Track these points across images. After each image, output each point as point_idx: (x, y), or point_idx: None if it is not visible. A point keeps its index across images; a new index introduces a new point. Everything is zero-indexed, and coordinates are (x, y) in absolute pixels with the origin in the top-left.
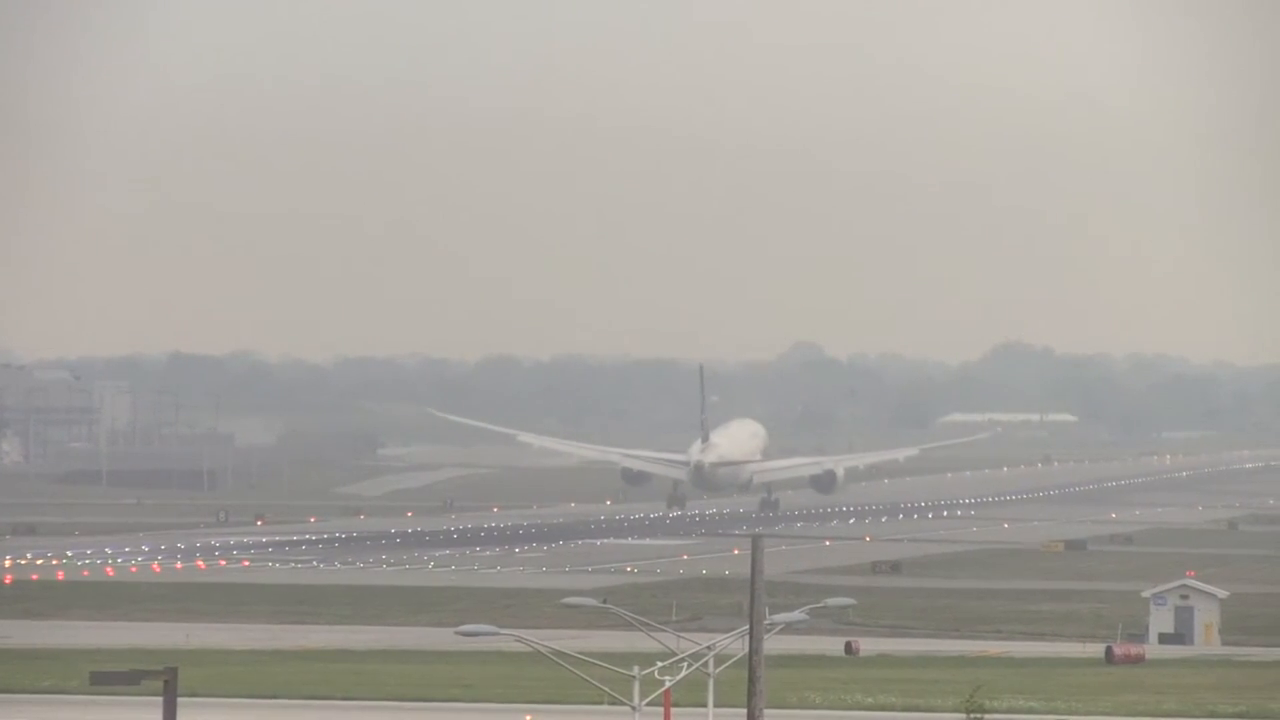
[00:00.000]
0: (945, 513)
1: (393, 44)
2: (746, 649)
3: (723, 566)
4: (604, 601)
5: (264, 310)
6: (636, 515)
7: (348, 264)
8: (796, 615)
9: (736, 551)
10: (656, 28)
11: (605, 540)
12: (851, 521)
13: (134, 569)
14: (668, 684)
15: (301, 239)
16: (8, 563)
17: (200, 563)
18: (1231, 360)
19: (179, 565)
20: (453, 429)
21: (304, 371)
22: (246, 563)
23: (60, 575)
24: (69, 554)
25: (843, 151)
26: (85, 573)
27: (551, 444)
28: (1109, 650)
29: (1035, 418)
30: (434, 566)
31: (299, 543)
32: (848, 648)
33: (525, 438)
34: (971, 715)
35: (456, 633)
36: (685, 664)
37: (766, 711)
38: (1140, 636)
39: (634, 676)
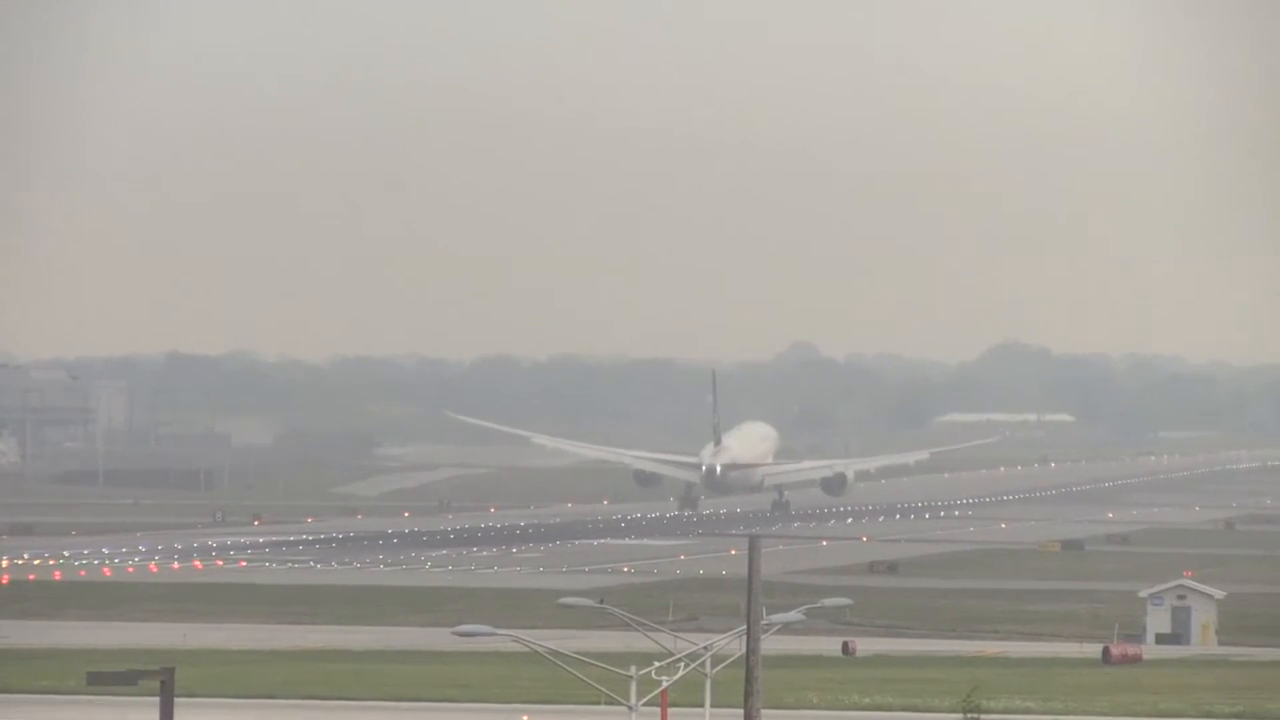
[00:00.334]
0: (942, 513)
1: (390, 44)
2: (744, 649)
3: (720, 567)
4: (601, 602)
5: (261, 310)
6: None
7: (345, 264)
8: (793, 615)
9: (734, 552)
10: (655, 28)
11: (602, 540)
12: (849, 521)
13: (131, 569)
14: (665, 684)
15: (299, 239)
16: (4, 563)
17: (197, 563)
18: (1229, 360)
19: (176, 565)
20: (449, 429)
21: (301, 371)
22: (243, 563)
23: (57, 575)
24: (66, 554)
25: (841, 151)
26: (82, 573)
27: (564, 445)
28: (1106, 650)
29: (1032, 418)
30: (431, 566)
31: (296, 543)
32: (845, 648)
33: (539, 439)
34: (969, 715)
35: (453, 633)
36: (682, 664)
37: (764, 712)
38: (1137, 637)
39: (631, 677)
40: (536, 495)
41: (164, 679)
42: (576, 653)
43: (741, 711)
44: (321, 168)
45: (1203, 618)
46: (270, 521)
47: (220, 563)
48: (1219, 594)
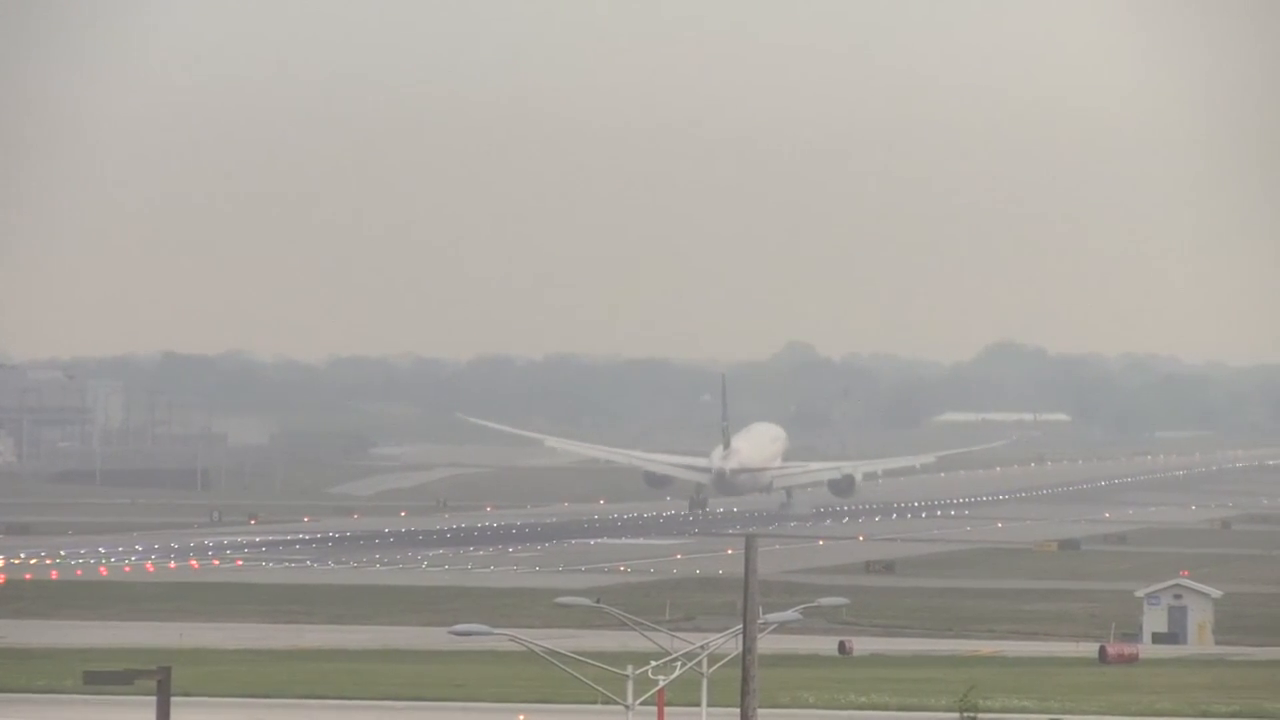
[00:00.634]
0: (939, 512)
1: (387, 45)
2: (740, 648)
3: (716, 566)
4: (597, 601)
5: (257, 310)
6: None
7: (341, 264)
8: (790, 615)
9: (730, 551)
10: (653, 28)
11: (599, 540)
12: (845, 521)
13: (128, 568)
14: (661, 683)
15: (295, 239)
16: (1, 562)
17: (194, 562)
18: (1225, 360)
19: (172, 565)
20: (446, 429)
21: (297, 371)
22: (240, 562)
23: (54, 575)
24: (62, 553)
25: (836, 151)
26: (79, 572)
27: (575, 448)
28: (1103, 650)
29: (1029, 417)
30: (427, 566)
31: (292, 542)
32: (841, 647)
33: (552, 442)
34: (965, 715)
35: (450, 632)
36: (679, 663)
37: (760, 711)
38: (1134, 636)
39: (627, 676)
40: (533, 495)
41: (160, 678)
42: (573, 652)
43: (738, 711)
44: (318, 168)
45: (1199, 617)
46: (266, 521)
47: (217, 562)
48: (1215, 593)
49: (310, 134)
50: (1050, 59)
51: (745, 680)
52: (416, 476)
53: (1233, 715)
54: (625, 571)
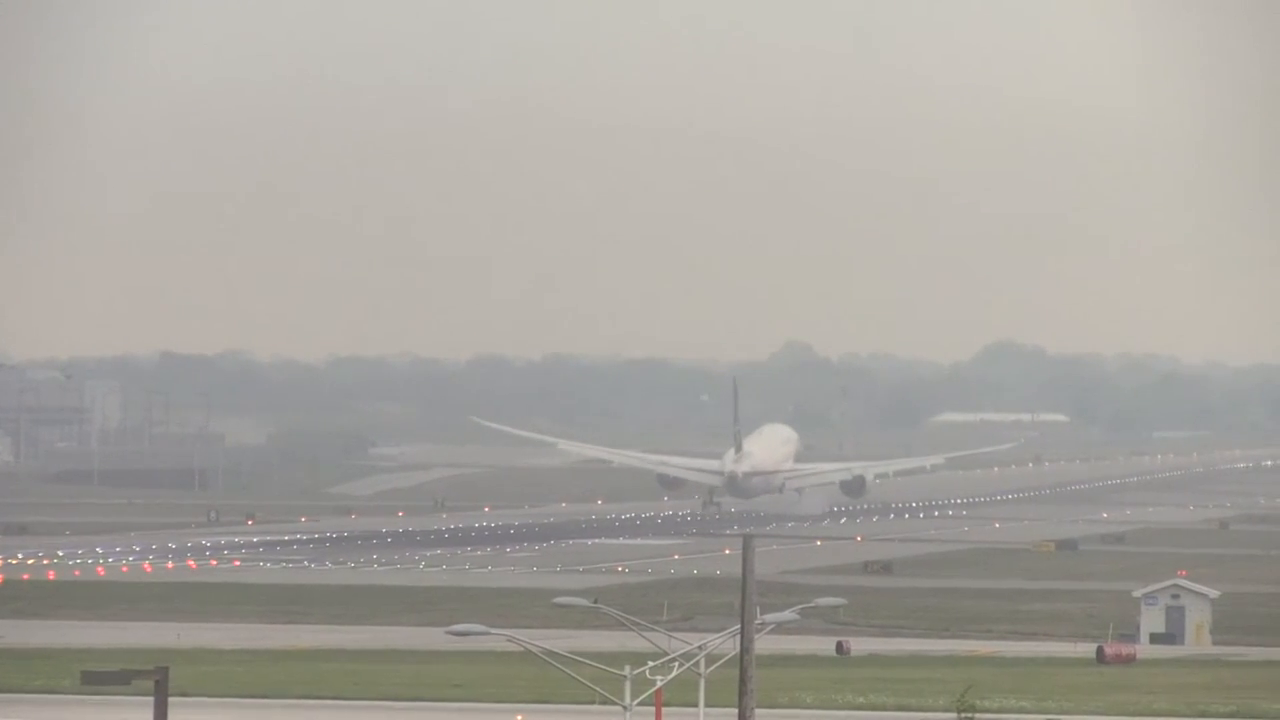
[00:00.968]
0: (936, 512)
1: (385, 45)
2: (737, 649)
3: (714, 566)
4: (595, 601)
5: (255, 310)
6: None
7: (339, 264)
8: (787, 615)
9: (728, 551)
10: (651, 28)
11: (596, 540)
12: (843, 521)
13: (125, 568)
14: (659, 684)
15: (293, 239)
16: None
17: (191, 562)
18: (1223, 360)
19: (170, 565)
20: (443, 429)
21: (295, 371)
22: (237, 562)
23: (51, 575)
24: (60, 553)
25: (834, 151)
26: (76, 572)
27: (591, 451)
28: (1100, 650)
29: (1027, 417)
30: (425, 566)
31: (290, 542)
32: (839, 647)
33: (565, 445)
34: (963, 715)
35: (448, 632)
36: (676, 664)
37: (757, 711)
38: (1131, 636)
39: (625, 676)
40: (531, 495)
41: (158, 678)
42: (571, 652)
43: (735, 711)
44: (316, 168)
45: (1197, 617)
46: (264, 521)
47: (214, 562)
48: (1213, 593)
49: (309, 134)
50: (1049, 59)
51: (743, 680)
52: (415, 476)
53: (1230, 715)
54: (623, 572)
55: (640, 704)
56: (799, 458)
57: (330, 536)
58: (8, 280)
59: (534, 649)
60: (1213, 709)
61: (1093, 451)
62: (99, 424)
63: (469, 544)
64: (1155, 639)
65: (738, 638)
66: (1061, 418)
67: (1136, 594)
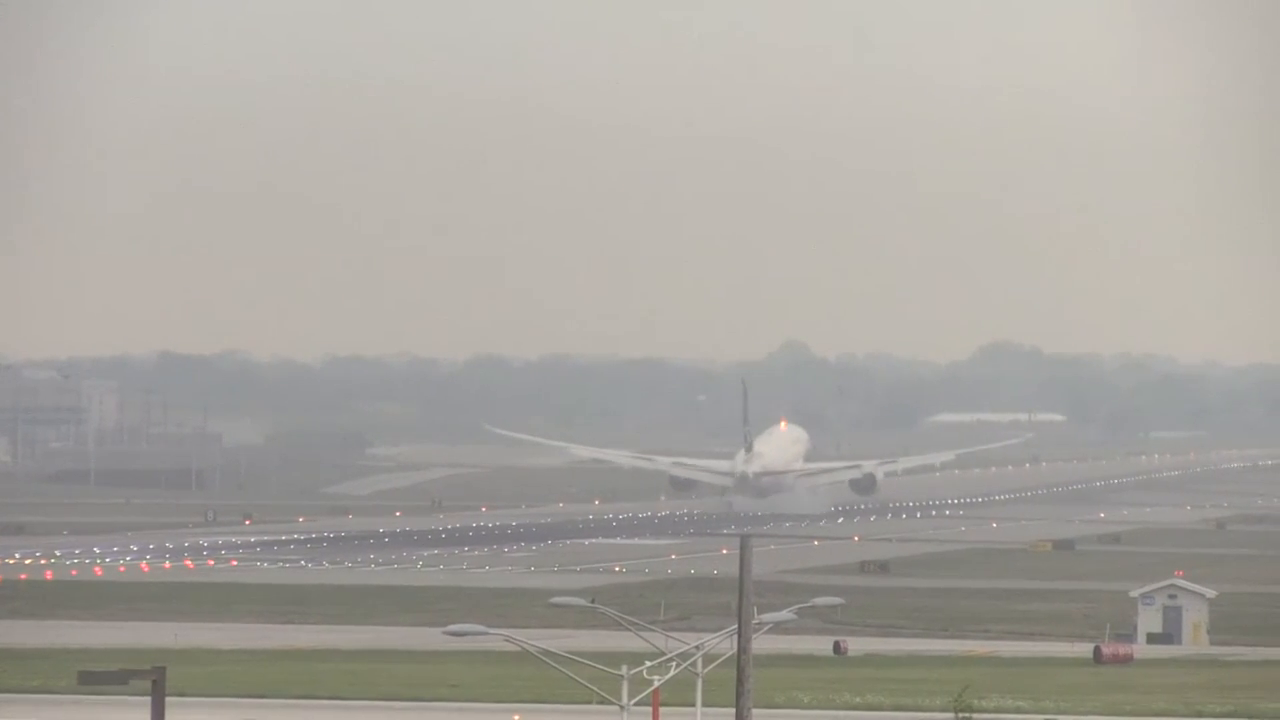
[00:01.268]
0: (934, 512)
1: (384, 45)
2: (735, 648)
3: (711, 566)
4: (592, 601)
5: (253, 310)
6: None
7: (337, 264)
8: (785, 615)
9: (725, 551)
10: (649, 29)
11: (594, 540)
12: (840, 521)
13: (122, 569)
14: (656, 683)
15: (291, 239)
16: None
17: (188, 562)
18: (1220, 360)
19: (167, 565)
20: (441, 429)
21: (293, 371)
22: (235, 562)
23: (48, 575)
24: (57, 553)
25: (832, 151)
26: (74, 572)
27: (601, 454)
28: (1097, 650)
29: (1024, 417)
30: (422, 566)
31: (287, 542)
32: (836, 647)
33: (578, 449)
34: (960, 715)
35: (445, 632)
36: (673, 663)
37: (755, 711)
38: (1128, 636)
39: (622, 676)
40: (528, 495)
41: (155, 678)
42: (568, 652)
43: (733, 711)
44: (314, 168)
45: (1194, 617)
46: (261, 521)
47: (211, 562)
48: (1210, 593)
49: (308, 134)
50: (1047, 60)
51: (740, 680)
52: (412, 476)
53: (1227, 715)
54: (620, 571)
55: (637, 704)
56: (809, 457)
57: (328, 536)
58: (5, 280)
59: (531, 649)
60: (1210, 709)
61: (1090, 451)
62: (96, 424)
63: (466, 544)
64: (1152, 639)
65: (735, 637)
66: (1059, 418)
67: (1134, 594)
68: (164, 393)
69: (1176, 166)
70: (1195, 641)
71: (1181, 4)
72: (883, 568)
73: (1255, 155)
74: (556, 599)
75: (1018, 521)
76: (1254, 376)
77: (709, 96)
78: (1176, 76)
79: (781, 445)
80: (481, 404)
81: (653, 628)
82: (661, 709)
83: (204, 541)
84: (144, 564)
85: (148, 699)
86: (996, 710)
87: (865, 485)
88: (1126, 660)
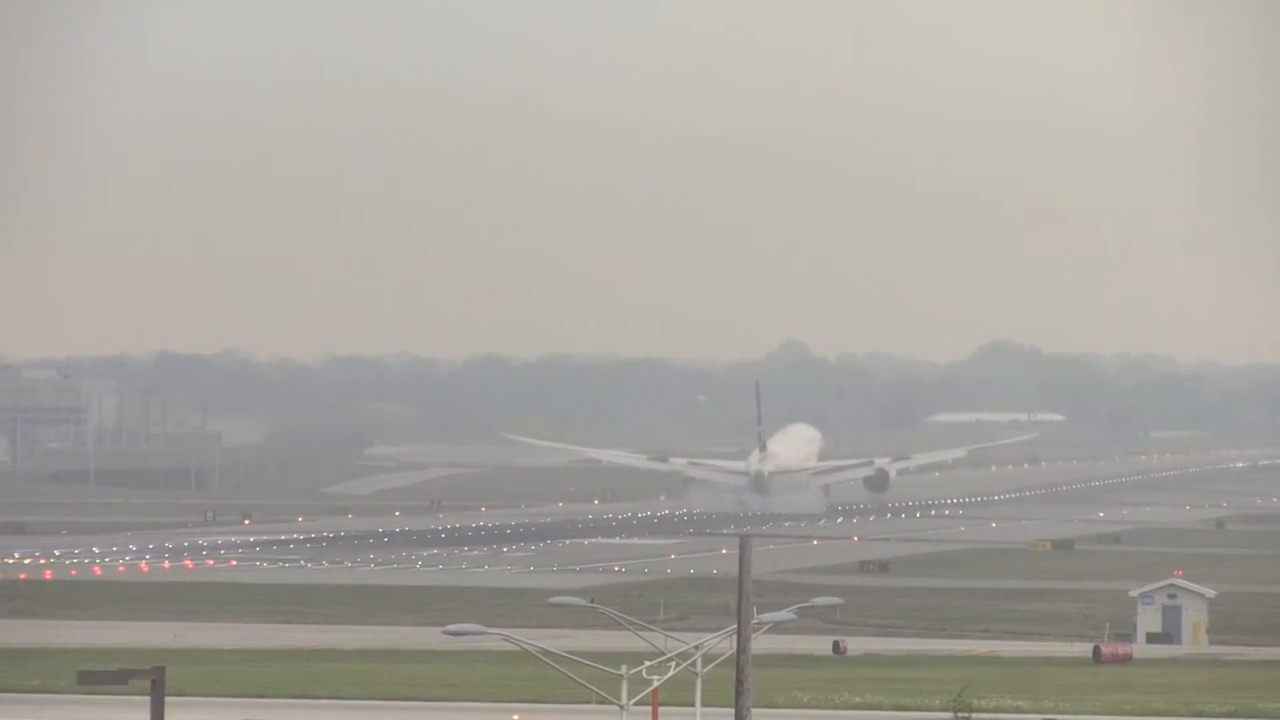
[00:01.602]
0: (933, 512)
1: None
2: (734, 648)
3: (710, 566)
4: (591, 601)
5: (252, 310)
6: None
7: (337, 264)
8: (784, 614)
9: (724, 551)
10: (651, 28)
11: (593, 540)
12: (840, 521)
13: (122, 568)
14: (655, 683)
15: (290, 239)
16: None
17: (188, 562)
18: (1220, 360)
19: (167, 565)
20: (440, 428)
21: (292, 371)
22: (234, 562)
23: (48, 575)
24: (57, 553)
25: (831, 151)
26: (73, 572)
27: (617, 457)
28: (1097, 650)
29: (1023, 417)
30: (422, 566)
31: (287, 542)
32: (835, 647)
33: (594, 453)
34: (959, 715)
35: (444, 632)
36: (673, 663)
37: (754, 711)
38: (1128, 636)
39: (622, 676)
40: (527, 495)
41: (155, 678)
42: (567, 652)
43: (732, 710)
44: (313, 168)
45: (1193, 617)
46: (261, 521)
47: (211, 562)
48: (1210, 593)
49: (307, 133)
50: (1046, 59)
51: (739, 680)
52: (411, 476)
53: (1227, 715)
54: (619, 571)
55: (637, 704)
56: (822, 456)
57: (327, 536)
58: (5, 280)
59: (531, 649)
60: (1209, 709)
61: (1089, 451)
62: (95, 424)
63: (466, 544)
64: (1152, 639)
65: (734, 637)
66: (1058, 417)
67: (1133, 594)
68: (163, 392)
69: (1176, 166)
70: (1195, 641)
71: (1181, 4)
72: (882, 567)
73: (1255, 155)
74: (556, 599)
75: (1017, 521)
76: (1253, 376)
77: (709, 96)
78: (1176, 76)
79: (795, 444)
80: (481, 404)
81: (652, 627)
82: (661, 709)
83: (203, 541)
84: (143, 564)
85: (147, 699)
86: (996, 710)
87: (878, 482)
88: (1126, 660)
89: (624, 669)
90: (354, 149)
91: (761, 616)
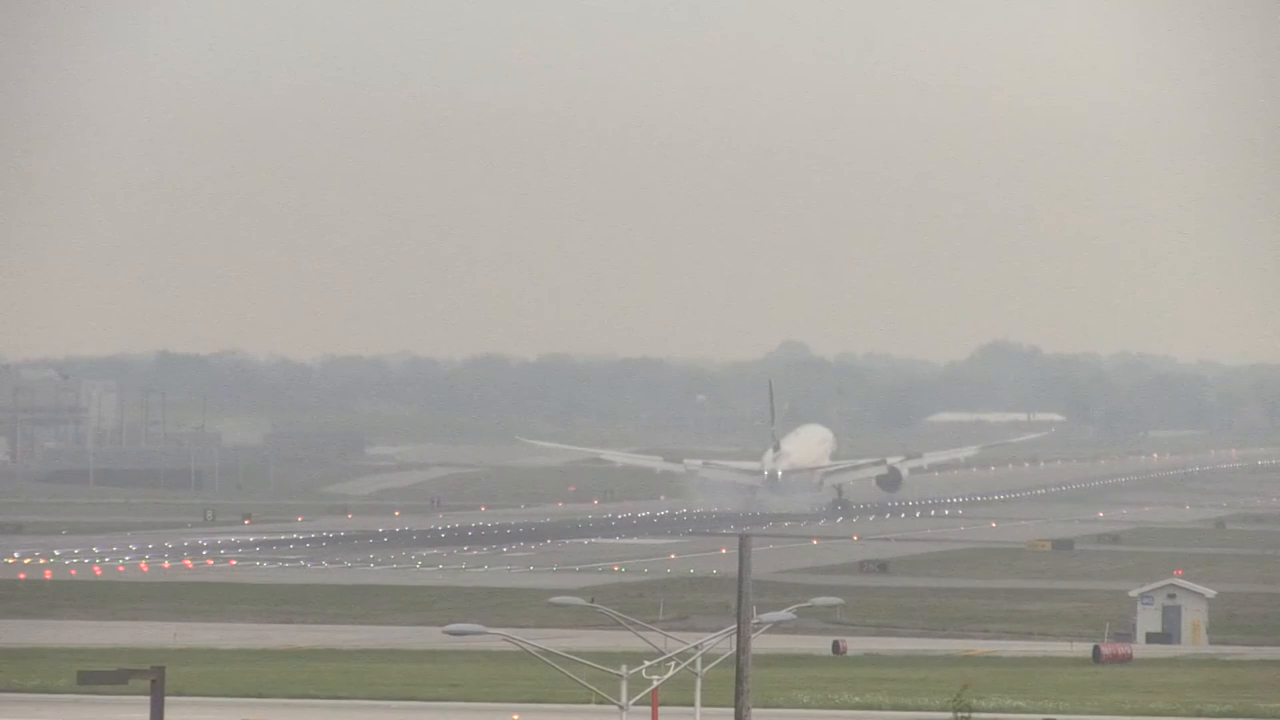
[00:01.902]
0: (933, 512)
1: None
2: (734, 648)
3: (710, 565)
4: (591, 601)
5: (252, 310)
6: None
7: (336, 264)
8: (784, 614)
9: (724, 551)
10: (651, 30)
11: (593, 540)
12: (839, 520)
13: (121, 568)
14: (655, 683)
15: (290, 239)
16: None
17: (188, 562)
18: (1218, 360)
19: (166, 564)
20: (439, 428)
21: (292, 371)
22: (234, 562)
23: (48, 574)
24: (56, 553)
25: (830, 152)
26: (73, 572)
27: (633, 459)
28: (1096, 649)
29: (1022, 417)
30: (422, 566)
31: (286, 542)
32: (835, 647)
33: (608, 455)
34: (959, 714)
35: (444, 632)
36: (673, 663)
37: (754, 711)
38: (1128, 636)
39: (621, 676)
40: (527, 494)
41: (154, 678)
42: (567, 652)
43: (732, 710)
44: (314, 169)
45: (1193, 617)
46: (261, 521)
47: (211, 562)
48: (1209, 593)
49: (306, 134)
50: (1045, 61)
51: (739, 680)
52: (411, 476)
53: (1226, 715)
54: (619, 571)
55: (637, 704)
56: (835, 456)
57: (327, 536)
58: (5, 280)
59: (530, 648)
60: (1209, 708)
61: (1089, 451)
62: (95, 424)
63: (465, 543)
64: (1151, 638)
65: (734, 637)
66: (1057, 417)
67: (1133, 593)
68: (163, 392)
69: (1176, 166)
70: (1194, 641)
71: (1181, 4)
72: (882, 567)
73: (1255, 155)
74: (555, 599)
75: (1017, 521)
76: (1252, 376)
77: (709, 97)
78: (1176, 76)
79: (809, 444)
80: (481, 404)
81: (652, 627)
82: (661, 709)
83: (203, 541)
84: (143, 564)
85: (147, 699)
86: (995, 710)
87: (891, 481)
88: (1126, 660)
89: (624, 669)
90: (354, 150)
91: (761, 616)
